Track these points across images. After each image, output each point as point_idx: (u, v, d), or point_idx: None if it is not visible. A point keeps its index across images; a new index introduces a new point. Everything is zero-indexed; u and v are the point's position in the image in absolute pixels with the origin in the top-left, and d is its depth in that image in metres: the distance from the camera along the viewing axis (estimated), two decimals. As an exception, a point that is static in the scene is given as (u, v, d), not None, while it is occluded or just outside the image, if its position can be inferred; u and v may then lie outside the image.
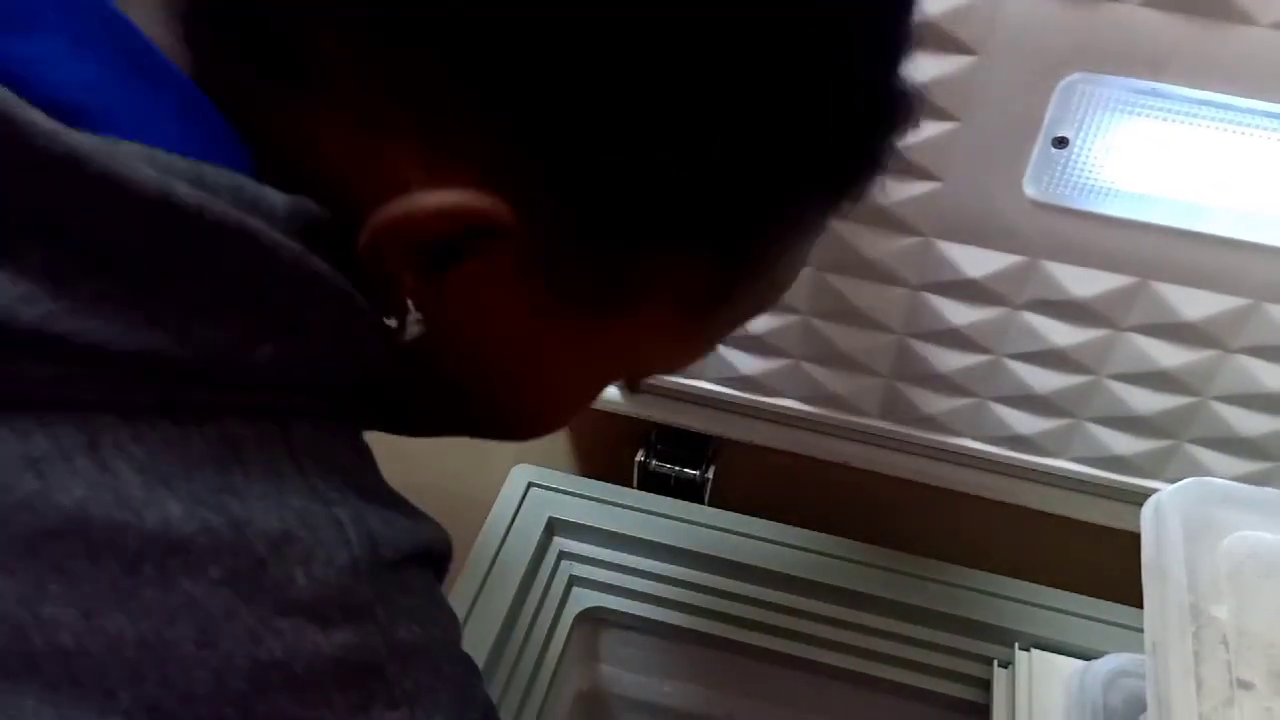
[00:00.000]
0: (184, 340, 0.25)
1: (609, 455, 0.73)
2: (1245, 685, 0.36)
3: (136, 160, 0.23)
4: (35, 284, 0.23)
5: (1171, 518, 0.41)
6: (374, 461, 0.31)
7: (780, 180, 0.30)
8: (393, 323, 0.30)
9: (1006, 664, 0.64)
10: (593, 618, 0.69)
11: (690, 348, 0.38)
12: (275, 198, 0.26)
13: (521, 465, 0.71)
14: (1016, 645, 0.64)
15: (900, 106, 0.30)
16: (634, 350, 0.35)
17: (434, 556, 0.31)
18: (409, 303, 0.30)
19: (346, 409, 0.30)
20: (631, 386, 0.65)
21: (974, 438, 0.62)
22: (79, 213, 0.23)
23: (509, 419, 0.38)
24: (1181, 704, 0.36)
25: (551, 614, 0.68)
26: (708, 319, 0.35)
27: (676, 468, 0.71)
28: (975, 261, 0.54)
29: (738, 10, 0.26)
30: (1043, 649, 0.64)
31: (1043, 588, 0.66)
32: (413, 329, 0.30)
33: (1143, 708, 0.44)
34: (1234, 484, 0.42)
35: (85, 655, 0.23)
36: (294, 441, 0.27)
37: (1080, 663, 0.63)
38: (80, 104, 0.24)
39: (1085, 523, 0.64)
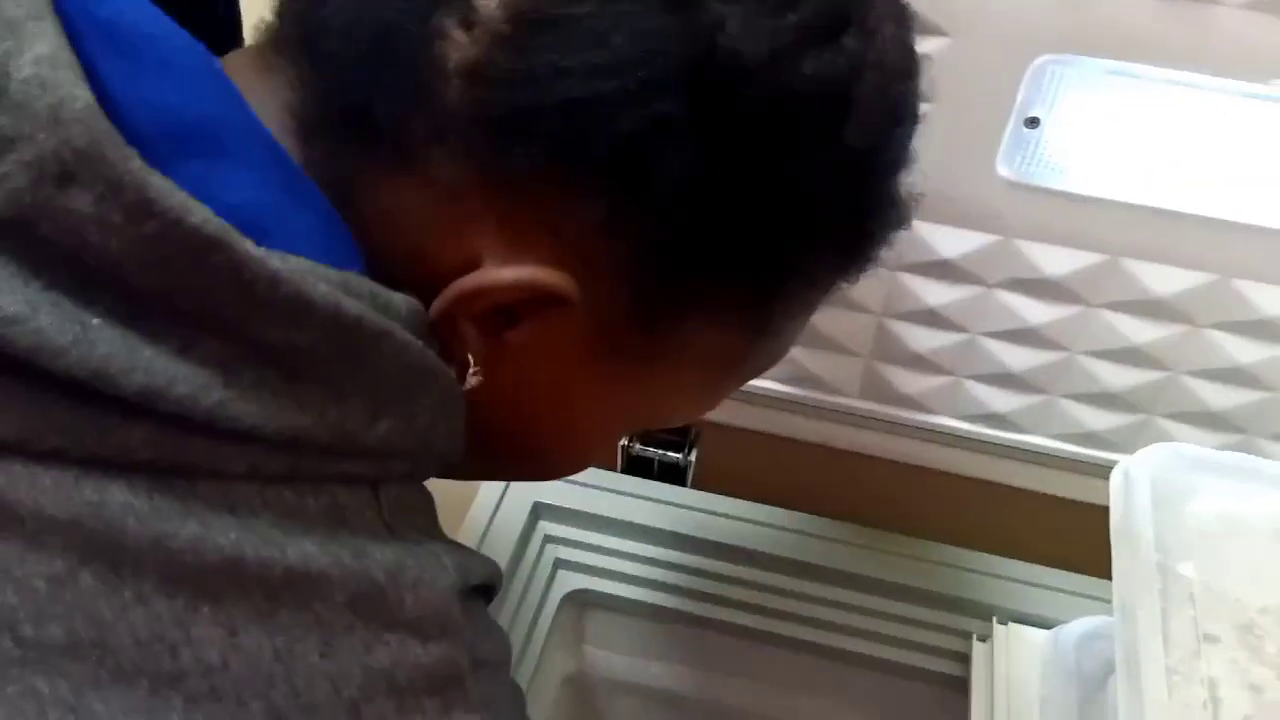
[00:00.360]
0: (321, 421, 0.29)
1: (593, 439, 0.74)
2: (1212, 639, 0.38)
3: (310, 277, 0.28)
4: (210, 373, 0.27)
5: (1139, 482, 0.42)
6: (435, 508, 0.36)
7: (804, 266, 0.36)
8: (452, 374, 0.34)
9: (985, 638, 0.66)
10: (578, 600, 0.71)
11: (705, 402, 0.43)
12: (399, 300, 0.31)
13: (506, 450, 0.72)
14: (995, 619, 0.66)
15: (900, 210, 0.37)
16: (659, 403, 0.40)
17: (492, 587, 0.37)
18: (470, 359, 0.34)
19: (424, 471, 0.35)
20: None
21: (951, 416, 0.63)
22: (261, 318, 0.27)
23: (543, 461, 0.42)
24: (1150, 658, 0.37)
25: (537, 597, 0.69)
26: (725, 376, 0.41)
27: (660, 451, 0.72)
28: (950, 242, 0.56)
29: (795, 148, 0.32)
30: (1021, 623, 0.66)
31: (1020, 563, 0.67)
32: (472, 381, 0.35)
33: (1114, 669, 0.46)
34: (1199, 449, 0.43)
35: (227, 670, 0.27)
36: (383, 505, 0.32)
37: (1057, 635, 0.65)
38: (248, 219, 0.27)
39: (1061, 498, 0.66)
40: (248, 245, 0.26)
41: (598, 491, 0.71)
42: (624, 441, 0.72)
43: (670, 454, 0.72)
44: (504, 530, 0.70)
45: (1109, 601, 0.65)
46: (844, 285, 0.39)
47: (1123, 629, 0.38)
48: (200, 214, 0.26)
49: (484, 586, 0.35)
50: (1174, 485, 0.42)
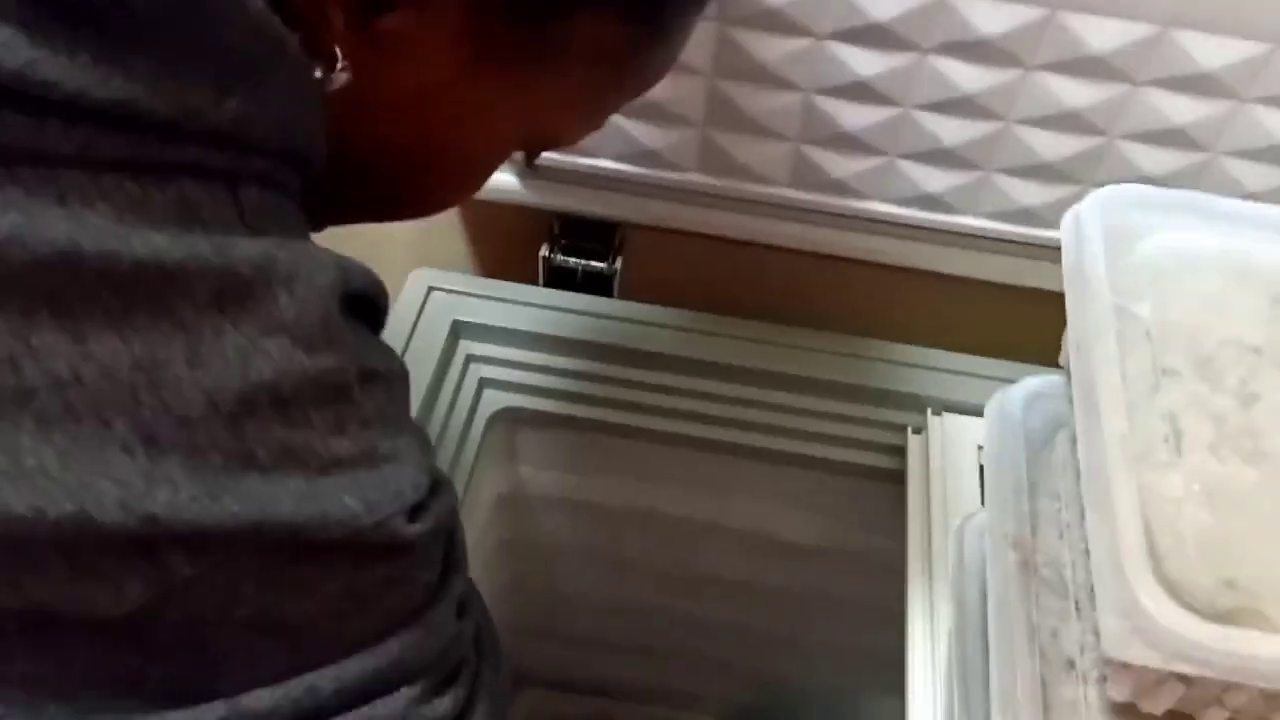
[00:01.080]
0: (155, 93, 0.25)
1: (511, 253, 0.69)
2: (1170, 373, 0.36)
3: None
4: (13, 30, 0.22)
5: (1091, 224, 0.39)
6: (305, 225, 0.31)
7: None
8: (319, 74, 0.30)
9: (919, 430, 0.64)
10: (506, 419, 0.67)
11: (593, 112, 0.39)
12: None
13: (420, 269, 0.67)
14: (929, 411, 0.64)
15: None
16: (545, 112, 0.37)
17: (380, 302, 0.32)
18: (338, 51, 0.30)
19: (286, 180, 0.30)
20: (532, 157, 0.62)
21: (883, 200, 0.60)
22: None
23: (419, 186, 0.38)
24: (1108, 394, 0.35)
25: (463, 418, 0.65)
26: (612, 79, 0.37)
27: (583, 261, 0.67)
28: (880, 1, 0.51)
29: None
30: (955, 412, 0.64)
31: (953, 354, 0.65)
32: (339, 78, 0.30)
33: (1060, 425, 0.44)
34: (1149, 188, 0.40)
35: (80, 383, 0.23)
36: (243, 205, 0.27)
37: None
38: None
39: (993, 283, 0.63)
40: None
41: (520, 306, 0.66)
42: (545, 252, 0.67)
43: (594, 263, 0.67)
44: (423, 352, 0.65)
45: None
46: None
47: (1078, 368, 0.36)
48: None
49: (366, 300, 0.31)
50: (1125, 225, 0.39)
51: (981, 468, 0.62)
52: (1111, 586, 0.31)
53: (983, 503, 0.61)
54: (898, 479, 0.64)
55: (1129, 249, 0.39)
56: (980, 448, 0.63)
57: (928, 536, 0.59)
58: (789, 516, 0.70)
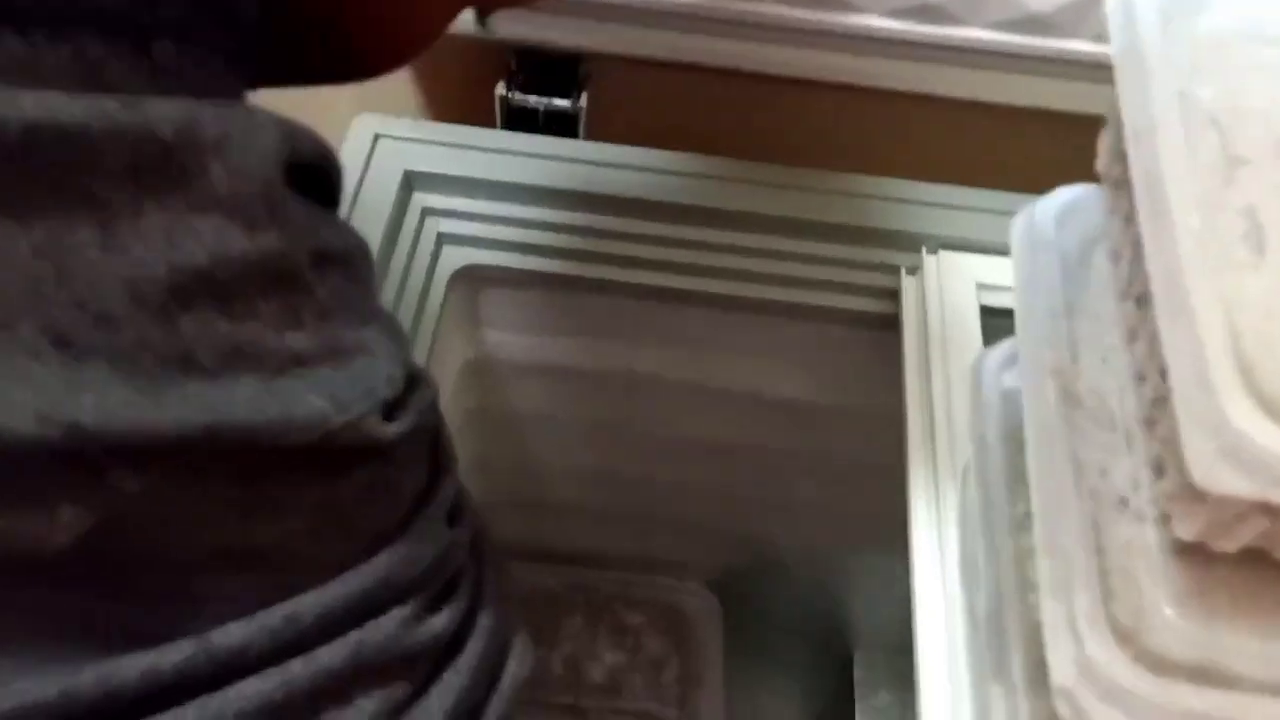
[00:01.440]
0: None
1: (465, 94, 0.62)
2: (1244, 162, 0.30)
3: None
4: None
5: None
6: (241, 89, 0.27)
7: None
8: None
9: (914, 270, 0.59)
10: (469, 277, 0.60)
11: None
12: None
13: (364, 115, 0.60)
14: (924, 249, 0.58)
15: None
16: None
17: (332, 174, 0.27)
18: None
19: (211, 34, 0.25)
20: (485, 12, 0.55)
21: (877, 12, 0.53)
22: None
23: (368, 39, 0.33)
24: (1178, 186, 0.29)
25: (421, 280, 0.58)
26: None
27: (545, 99, 0.60)
28: None
29: None
30: (951, 249, 0.58)
31: (949, 187, 0.59)
32: None
33: (1096, 240, 0.38)
34: (1209, -43, 0.34)
35: None
36: (156, 63, 0.23)
37: (994, 258, 0.58)
38: None
39: (994, 105, 0.57)
40: None
41: (477, 153, 0.59)
42: (502, 91, 0.60)
43: (557, 102, 0.60)
44: (372, 208, 0.58)
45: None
46: None
47: (1140, 161, 0.30)
48: None
49: (316, 171, 0.25)
50: (1182, 0, 0.33)
51: (982, 307, 0.58)
52: (1197, 406, 0.25)
53: (985, 344, 0.56)
54: (892, 324, 0.59)
55: (1186, 26, 0.33)
56: (980, 286, 0.58)
57: (926, 380, 0.55)
58: (777, 372, 0.65)
